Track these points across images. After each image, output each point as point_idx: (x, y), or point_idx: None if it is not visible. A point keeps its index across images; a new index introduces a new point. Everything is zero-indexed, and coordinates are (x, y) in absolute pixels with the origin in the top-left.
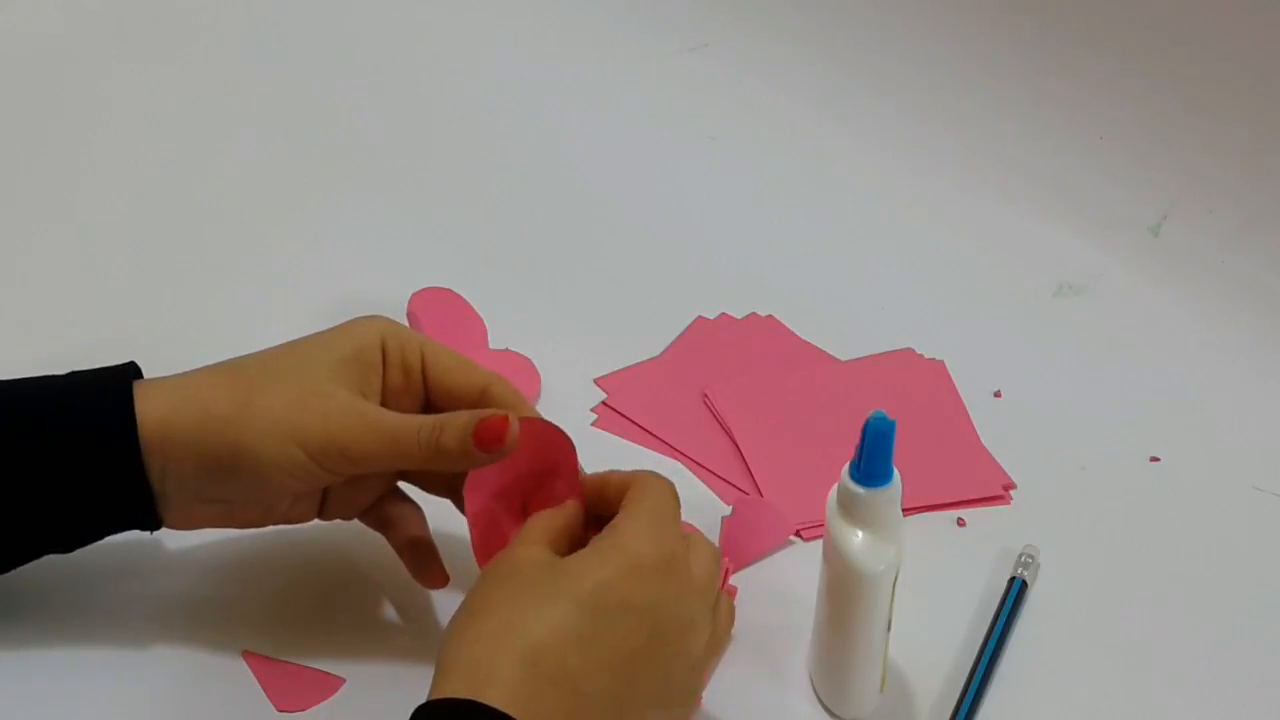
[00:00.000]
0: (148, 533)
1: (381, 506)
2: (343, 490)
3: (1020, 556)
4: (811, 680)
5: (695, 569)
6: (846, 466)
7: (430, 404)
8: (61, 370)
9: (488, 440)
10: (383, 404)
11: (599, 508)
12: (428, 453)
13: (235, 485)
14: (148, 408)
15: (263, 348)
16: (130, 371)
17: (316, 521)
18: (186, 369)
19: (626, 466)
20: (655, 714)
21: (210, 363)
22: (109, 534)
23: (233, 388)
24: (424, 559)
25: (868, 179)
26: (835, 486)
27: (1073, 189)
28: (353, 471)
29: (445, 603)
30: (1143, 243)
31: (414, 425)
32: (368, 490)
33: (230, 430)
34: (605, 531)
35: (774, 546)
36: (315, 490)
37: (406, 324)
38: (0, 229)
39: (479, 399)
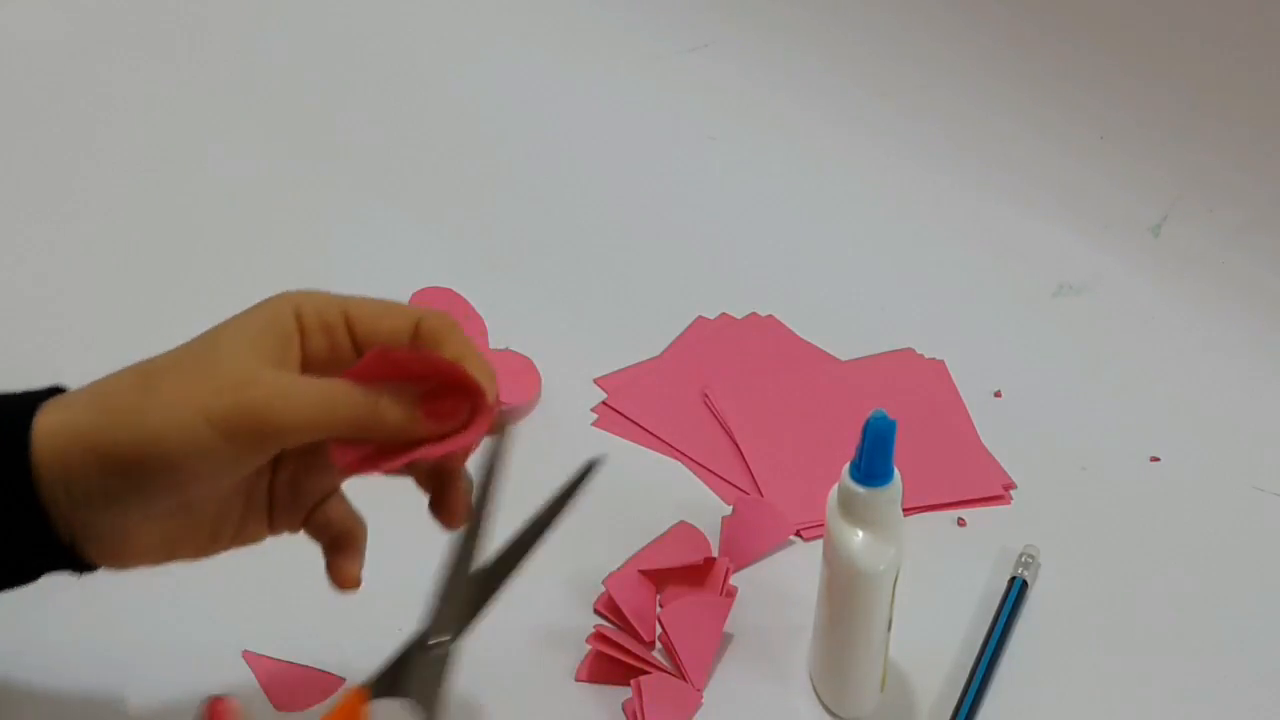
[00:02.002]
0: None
1: (324, 511)
2: (284, 492)
3: (1020, 556)
4: (811, 680)
5: None
6: (847, 466)
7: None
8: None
9: (437, 412)
10: (307, 374)
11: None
12: (359, 419)
13: (149, 486)
14: (45, 419)
15: None
16: (43, 393)
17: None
18: None
19: (626, 466)
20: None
21: None
22: (13, 582)
23: (136, 374)
24: (340, 562)
25: (868, 179)
26: (835, 486)
27: (1073, 189)
28: (274, 447)
29: None
30: (1143, 243)
31: (340, 387)
32: (310, 490)
33: (133, 418)
34: None
35: (774, 546)
36: (244, 489)
37: None
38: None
39: (412, 338)
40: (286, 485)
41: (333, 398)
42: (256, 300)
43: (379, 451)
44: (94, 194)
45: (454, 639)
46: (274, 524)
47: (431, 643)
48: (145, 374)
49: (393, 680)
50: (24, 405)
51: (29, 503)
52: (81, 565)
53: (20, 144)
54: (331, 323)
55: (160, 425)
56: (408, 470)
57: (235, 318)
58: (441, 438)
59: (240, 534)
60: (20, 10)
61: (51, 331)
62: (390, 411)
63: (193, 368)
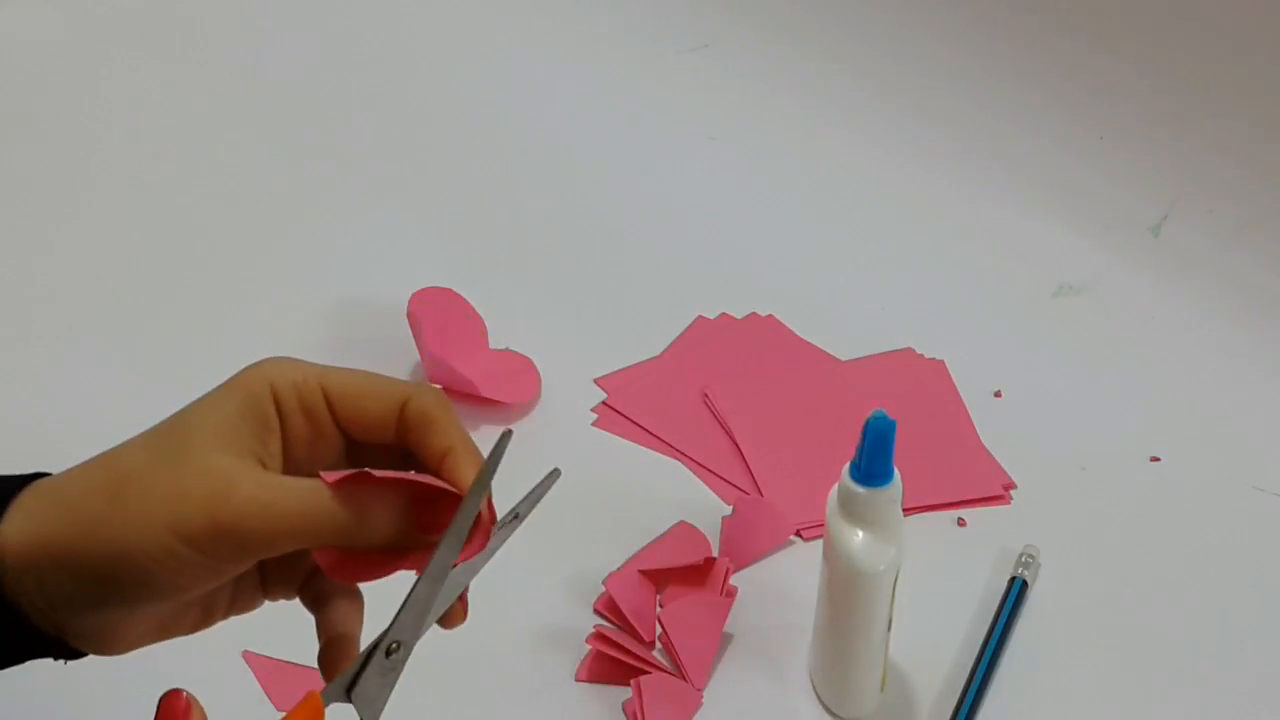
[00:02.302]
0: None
1: (317, 582)
2: (275, 565)
3: (1020, 556)
4: (811, 680)
5: None
6: (847, 466)
7: (350, 443)
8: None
9: (430, 523)
10: (290, 462)
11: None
12: (345, 530)
13: (127, 595)
14: (10, 530)
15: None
16: (14, 484)
17: None
18: (185, 369)
19: (626, 466)
20: None
21: (213, 363)
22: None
23: (106, 479)
24: (334, 658)
25: (868, 179)
26: (835, 486)
27: (1073, 189)
28: (254, 559)
29: None
30: (1143, 243)
31: (324, 498)
32: (303, 563)
33: (101, 530)
34: None
35: (774, 546)
36: (227, 584)
37: (409, 325)
38: (1, 230)
39: (396, 416)
40: (277, 559)
41: (317, 509)
42: (257, 300)
43: (365, 558)
44: (94, 195)
45: (409, 642)
46: (269, 592)
47: (389, 645)
48: (113, 478)
49: (349, 684)
50: None
51: (3, 608)
52: (70, 653)
53: (20, 144)
54: (311, 403)
55: (132, 541)
56: None
57: (207, 399)
58: (432, 545)
59: (234, 606)
60: (20, 12)
61: (51, 332)
62: (379, 523)
63: (163, 471)
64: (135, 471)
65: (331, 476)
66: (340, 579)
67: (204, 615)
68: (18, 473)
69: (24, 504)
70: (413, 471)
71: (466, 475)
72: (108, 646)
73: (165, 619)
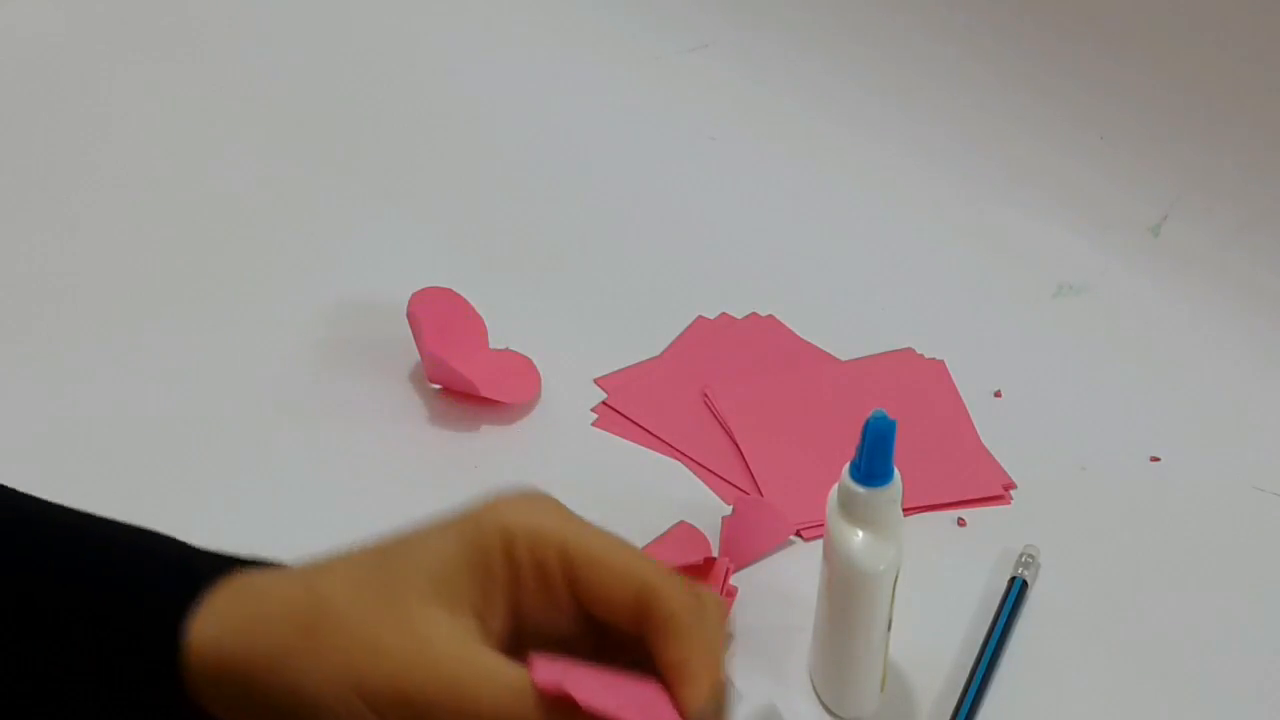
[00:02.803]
0: None
1: None
2: None
3: (1020, 556)
4: (811, 680)
5: None
6: (847, 466)
7: (582, 613)
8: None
9: None
10: (514, 624)
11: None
12: None
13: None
14: (203, 631)
15: (261, 348)
16: (210, 567)
17: (318, 526)
18: (185, 369)
19: (626, 466)
20: None
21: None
22: None
23: (304, 607)
24: None
25: (868, 179)
26: (835, 486)
27: (1073, 189)
28: None
29: None
30: (1143, 243)
31: (526, 701)
32: None
33: (290, 663)
34: None
35: (774, 546)
36: None
37: (409, 325)
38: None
39: (635, 604)
40: None
41: (510, 711)
42: (256, 300)
43: None
44: (93, 194)
45: None
46: None
47: None
48: (312, 609)
49: None
50: (177, 604)
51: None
52: None
53: (19, 144)
54: (547, 564)
55: (316, 685)
56: None
57: (430, 535)
58: None
59: None
60: (20, 9)
61: (50, 332)
62: None
63: (364, 614)
64: (336, 604)
65: (542, 671)
66: None
67: None
68: (213, 550)
69: (219, 606)
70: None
71: (693, 699)
72: None
73: None
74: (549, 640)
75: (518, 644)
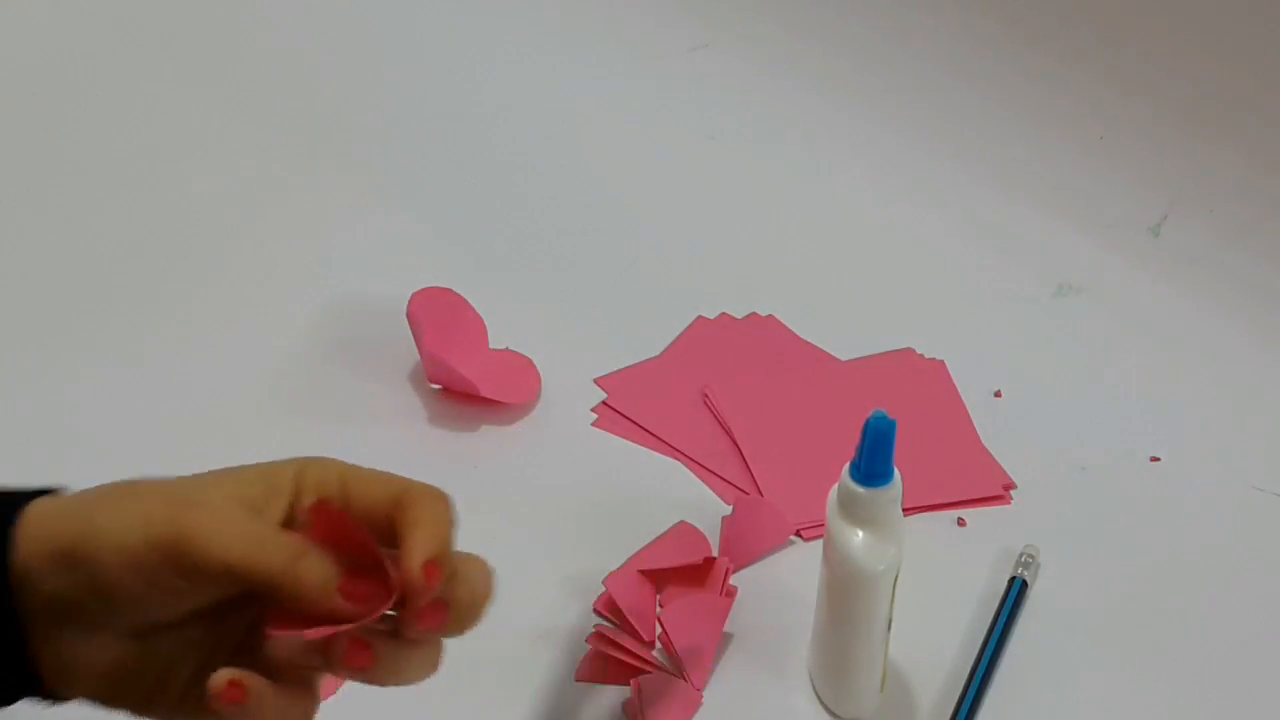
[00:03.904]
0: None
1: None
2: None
3: (1020, 556)
4: (811, 680)
5: None
6: (847, 466)
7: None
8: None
9: (356, 596)
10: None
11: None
12: (282, 565)
13: (77, 580)
14: (33, 511)
15: (261, 348)
16: (28, 494)
17: None
18: (185, 369)
19: (626, 466)
20: None
21: (209, 364)
22: None
23: (119, 489)
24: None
25: (868, 179)
26: (835, 486)
27: (1073, 189)
28: (198, 578)
29: None
30: (1143, 243)
31: (271, 534)
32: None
33: (86, 512)
34: None
35: (774, 546)
36: (164, 617)
37: (409, 325)
38: None
39: (393, 503)
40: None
41: (261, 541)
42: (256, 300)
43: (301, 615)
44: (91, 192)
45: None
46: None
47: None
48: (124, 489)
49: None
50: (5, 509)
51: (13, 627)
52: (45, 692)
53: (19, 143)
54: (328, 489)
55: (104, 523)
56: None
57: (232, 472)
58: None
59: (186, 698)
60: (20, 6)
61: (48, 332)
62: (309, 572)
63: (171, 486)
64: (143, 486)
65: (299, 528)
66: (273, 629)
67: (158, 687)
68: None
69: (46, 503)
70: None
71: (414, 550)
72: (62, 680)
73: (120, 666)
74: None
75: None
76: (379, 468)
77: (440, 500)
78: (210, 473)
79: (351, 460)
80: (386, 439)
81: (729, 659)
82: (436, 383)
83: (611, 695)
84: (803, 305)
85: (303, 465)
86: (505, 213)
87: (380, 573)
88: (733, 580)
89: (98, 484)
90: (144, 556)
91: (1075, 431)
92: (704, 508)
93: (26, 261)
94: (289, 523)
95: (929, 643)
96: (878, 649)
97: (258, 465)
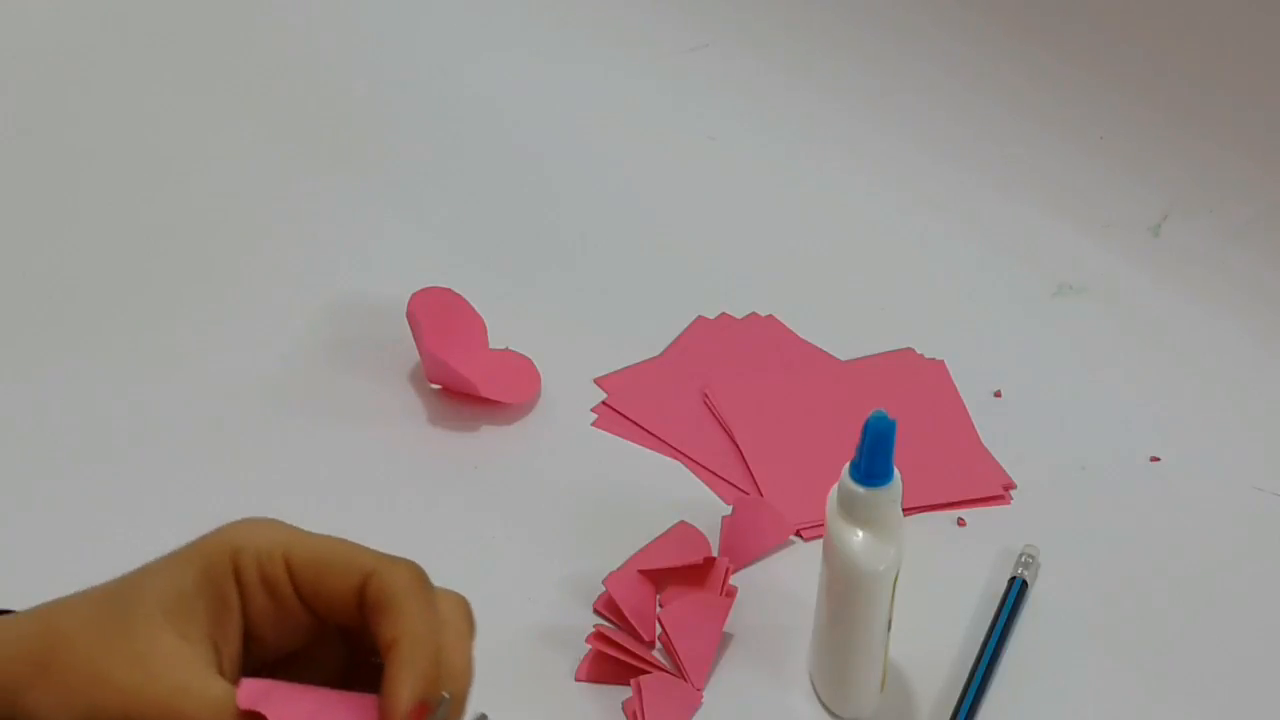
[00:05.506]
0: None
1: None
2: None
3: (1020, 556)
4: (811, 680)
5: None
6: (847, 466)
7: (319, 624)
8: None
9: None
10: (254, 641)
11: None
12: None
13: None
14: None
15: (261, 348)
16: None
17: (318, 526)
18: (184, 372)
19: (626, 466)
20: None
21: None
22: None
23: (39, 643)
24: None
25: (868, 179)
26: (835, 486)
27: (1073, 189)
28: None
29: None
30: (1143, 243)
31: (224, 715)
32: None
33: (20, 704)
34: None
35: (774, 546)
36: None
37: (409, 325)
38: None
39: (358, 593)
40: None
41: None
42: (255, 300)
43: None
44: (90, 192)
45: None
46: None
47: None
48: (46, 643)
49: None
50: None
51: None
52: None
53: (19, 143)
54: (274, 576)
55: (39, 711)
56: None
57: (164, 563)
58: None
59: None
60: (19, 6)
61: (48, 332)
62: None
63: (97, 643)
64: (70, 638)
65: (247, 691)
66: None
67: None
68: None
69: None
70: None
71: (399, 682)
72: None
73: None
74: (294, 658)
75: (260, 664)
76: (380, 468)
77: (416, 587)
78: (135, 598)
79: (352, 461)
80: (386, 439)
81: (729, 659)
82: (436, 383)
83: (611, 695)
84: (803, 305)
85: (235, 552)
86: (505, 212)
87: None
88: (733, 580)
89: (11, 612)
90: None
91: (1075, 431)
92: (704, 508)
93: (27, 261)
94: (250, 627)
95: (929, 643)
96: (878, 649)
97: (183, 569)
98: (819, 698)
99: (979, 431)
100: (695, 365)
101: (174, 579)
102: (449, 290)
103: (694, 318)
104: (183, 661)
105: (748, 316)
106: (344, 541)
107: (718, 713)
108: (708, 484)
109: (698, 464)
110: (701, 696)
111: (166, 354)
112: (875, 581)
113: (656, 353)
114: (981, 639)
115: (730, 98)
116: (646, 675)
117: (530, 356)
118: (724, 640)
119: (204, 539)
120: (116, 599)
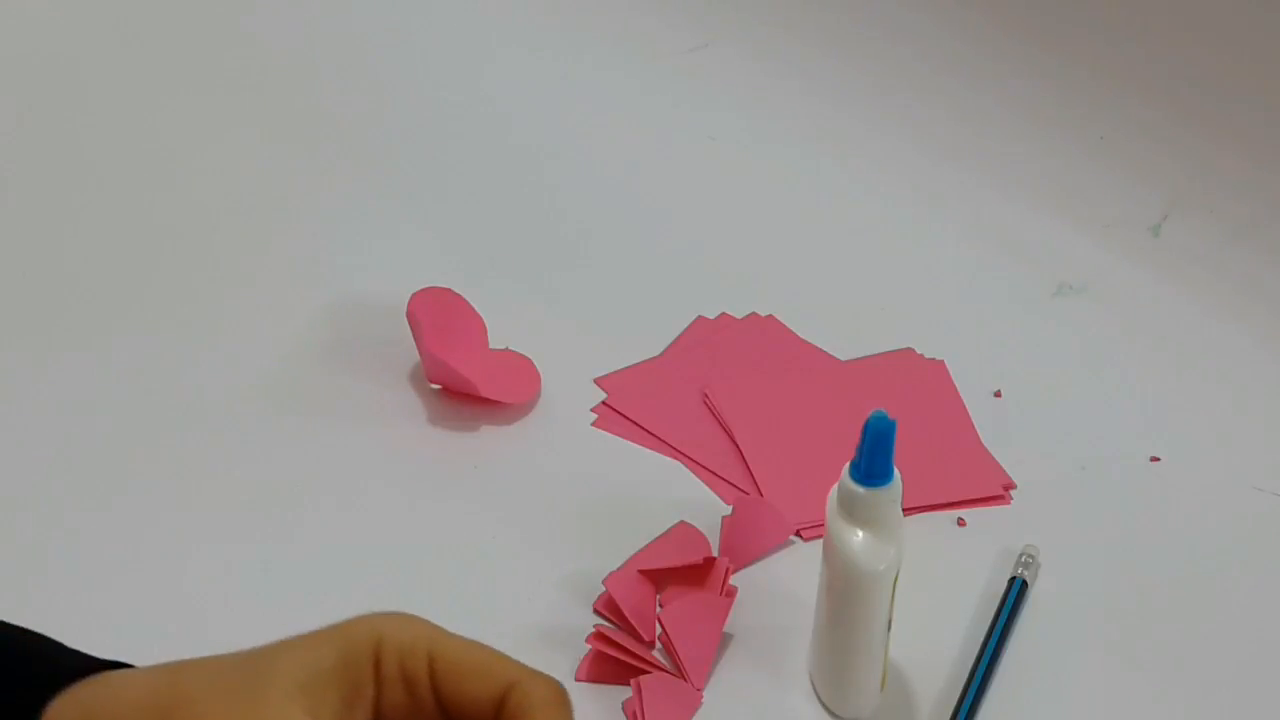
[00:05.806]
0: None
1: None
2: None
3: (1020, 556)
4: (811, 680)
5: None
6: (847, 466)
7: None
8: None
9: None
10: None
11: None
12: None
13: None
14: (59, 717)
15: (261, 348)
16: (64, 671)
17: (318, 526)
18: (185, 370)
19: (626, 466)
20: None
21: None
22: None
23: (159, 698)
24: None
25: (868, 179)
26: (835, 486)
27: (1073, 189)
28: None
29: (446, 605)
30: (1143, 243)
31: None
32: None
33: None
34: None
35: (774, 546)
36: None
37: (409, 325)
38: None
39: (498, 702)
40: None
41: None
42: (255, 300)
43: None
44: (89, 192)
45: None
46: None
47: None
48: (168, 697)
49: None
50: (39, 696)
51: None
52: None
53: (19, 142)
54: (414, 674)
55: None
56: None
57: (304, 640)
58: None
59: None
60: (18, 5)
61: (48, 333)
62: None
63: (221, 710)
64: (193, 700)
65: None
66: None
67: None
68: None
69: (82, 695)
70: None
71: None
72: None
73: None
74: None
75: None
76: (380, 468)
77: (557, 702)
78: (266, 673)
79: (352, 461)
80: (386, 439)
81: (729, 659)
82: (436, 383)
83: (611, 695)
84: (803, 305)
85: (378, 642)
86: (505, 212)
87: None
88: (733, 580)
89: (128, 666)
90: None
91: (1075, 431)
92: (704, 508)
93: (27, 261)
94: (382, 715)
95: (929, 643)
96: (878, 649)
97: (321, 649)
98: (819, 698)
99: (979, 431)
100: (695, 365)
101: (312, 656)
102: (449, 290)
103: (694, 318)
104: None
105: (748, 316)
106: (488, 648)
107: (718, 713)
108: (708, 484)
109: (698, 464)
110: (701, 696)
111: (167, 354)
112: (875, 581)
113: (656, 353)
114: (981, 639)
115: (730, 98)
116: (646, 675)
117: (530, 356)
118: (724, 640)
119: (349, 622)
120: (248, 668)
